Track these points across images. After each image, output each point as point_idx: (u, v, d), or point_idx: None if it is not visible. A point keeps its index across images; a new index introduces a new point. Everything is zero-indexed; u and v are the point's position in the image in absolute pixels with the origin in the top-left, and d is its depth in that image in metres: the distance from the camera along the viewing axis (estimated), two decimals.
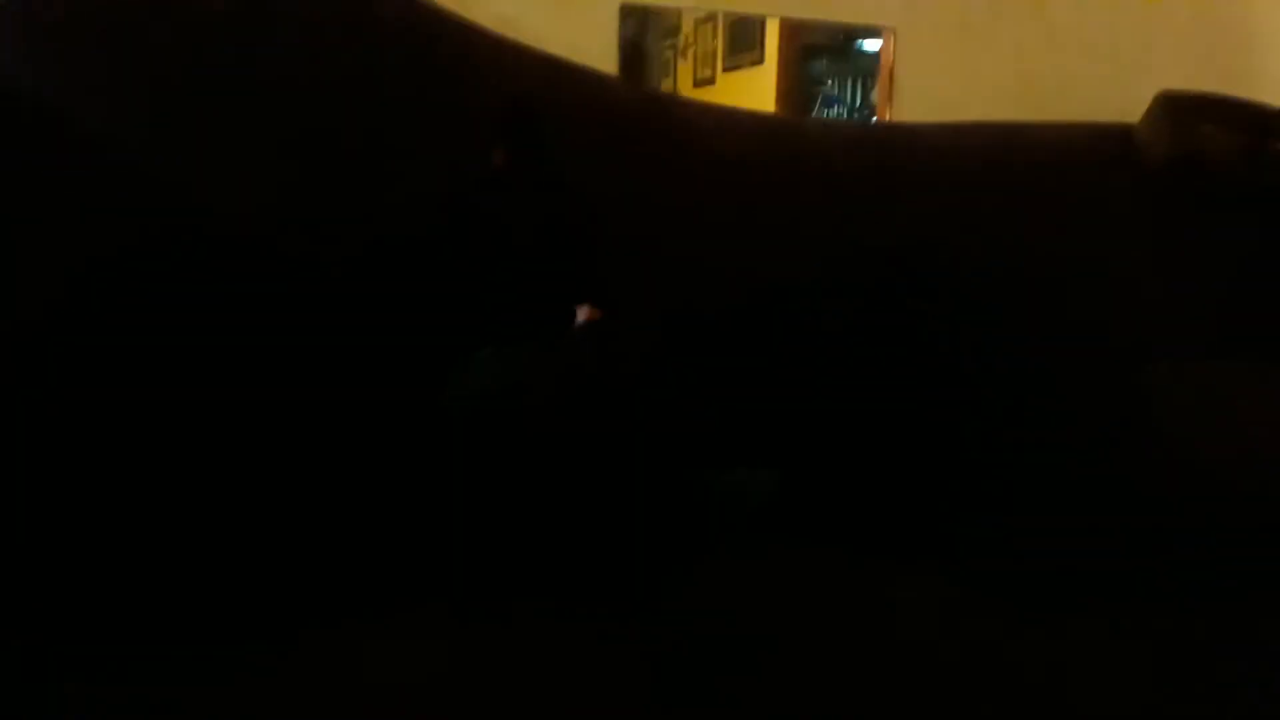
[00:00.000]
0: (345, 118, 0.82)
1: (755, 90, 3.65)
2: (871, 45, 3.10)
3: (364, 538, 0.71)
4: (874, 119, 3.08)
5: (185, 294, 0.73)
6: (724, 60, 4.06)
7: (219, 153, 0.78)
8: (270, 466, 0.72)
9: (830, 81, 3.94)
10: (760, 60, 3.66)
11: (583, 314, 0.76)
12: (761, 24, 3.62)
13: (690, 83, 4.37)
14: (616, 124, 0.96)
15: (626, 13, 3.07)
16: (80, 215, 0.74)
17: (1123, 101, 1.29)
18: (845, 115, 3.61)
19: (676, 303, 0.92)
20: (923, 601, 0.74)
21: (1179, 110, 1.13)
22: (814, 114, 3.66)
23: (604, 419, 0.83)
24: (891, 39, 2.73)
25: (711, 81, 4.18)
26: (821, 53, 3.93)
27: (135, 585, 0.65)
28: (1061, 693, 0.66)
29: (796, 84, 3.62)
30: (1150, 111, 1.14)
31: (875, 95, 3.08)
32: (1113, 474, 0.88)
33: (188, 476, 0.70)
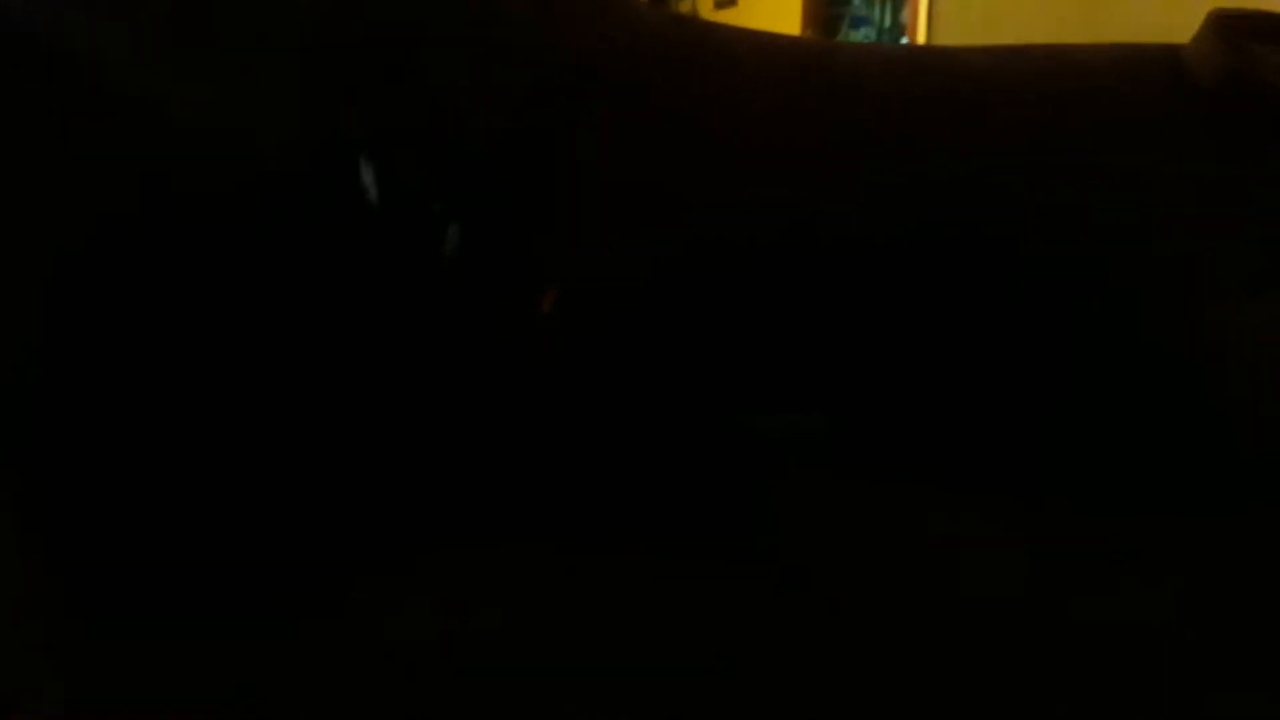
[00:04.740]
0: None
1: (779, 10, 3.56)
2: None
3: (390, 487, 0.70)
4: (904, 40, 2.99)
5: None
6: None
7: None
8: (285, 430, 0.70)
9: (858, 1, 3.84)
10: None
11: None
12: None
13: (711, 4, 4.27)
14: (651, 51, 0.91)
15: None
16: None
17: (1170, 20, 1.23)
18: (874, 36, 3.51)
19: (712, 235, 0.88)
20: (980, 537, 0.73)
21: (1230, 30, 1.06)
22: (841, 35, 3.56)
23: (635, 366, 0.80)
24: None
25: (733, 2, 4.08)
26: None
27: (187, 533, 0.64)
28: (1124, 635, 0.65)
29: (822, 4, 3.52)
30: (1200, 32, 1.08)
31: (905, 15, 2.98)
32: (1170, 411, 0.85)
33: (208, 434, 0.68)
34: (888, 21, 3.46)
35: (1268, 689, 0.62)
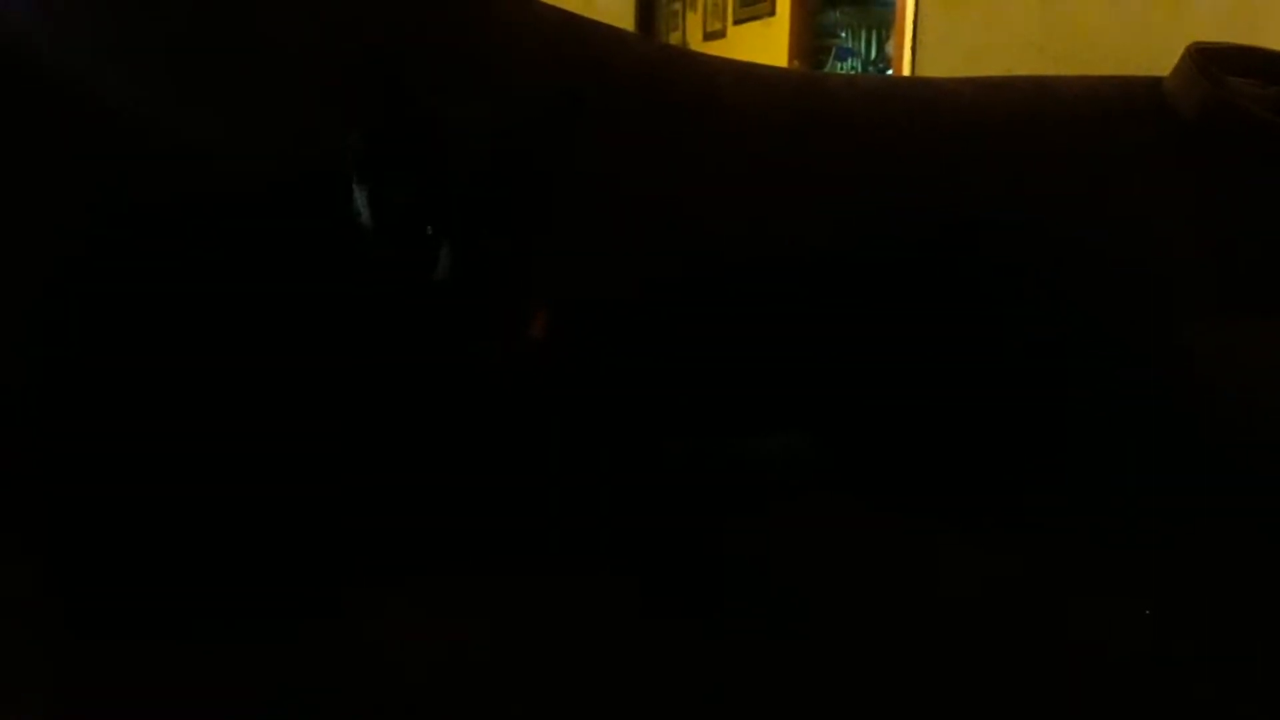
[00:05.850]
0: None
1: (767, 43, 3.59)
2: None
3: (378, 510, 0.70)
4: (889, 71, 3.03)
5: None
6: (734, 12, 3.99)
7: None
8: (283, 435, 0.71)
9: (844, 34, 3.88)
10: (772, 12, 3.59)
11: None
12: None
13: (700, 36, 4.31)
14: (638, 82, 0.92)
15: None
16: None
17: (1150, 53, 1.25)
18: (860, 69, 3.55)
19: (698, 261, 0.89)
20: (968, 567, 0.74)
21: (1209, 63, 1.09)
22: (827, 68, 3.60)
23: (622, 388, 0.81)
24: None
25: (722, 34, 4.11)
26: (835, 4, 3.87)
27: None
28: (1109, 660, 0.65)
29: (809, 36, 3.55)
30: (1180, 64, 1.10)
31: (891, 48, 3.02)
32: (1157, 434, 0.86)
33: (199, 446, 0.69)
34: (873, 53, 3.50)
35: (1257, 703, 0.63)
